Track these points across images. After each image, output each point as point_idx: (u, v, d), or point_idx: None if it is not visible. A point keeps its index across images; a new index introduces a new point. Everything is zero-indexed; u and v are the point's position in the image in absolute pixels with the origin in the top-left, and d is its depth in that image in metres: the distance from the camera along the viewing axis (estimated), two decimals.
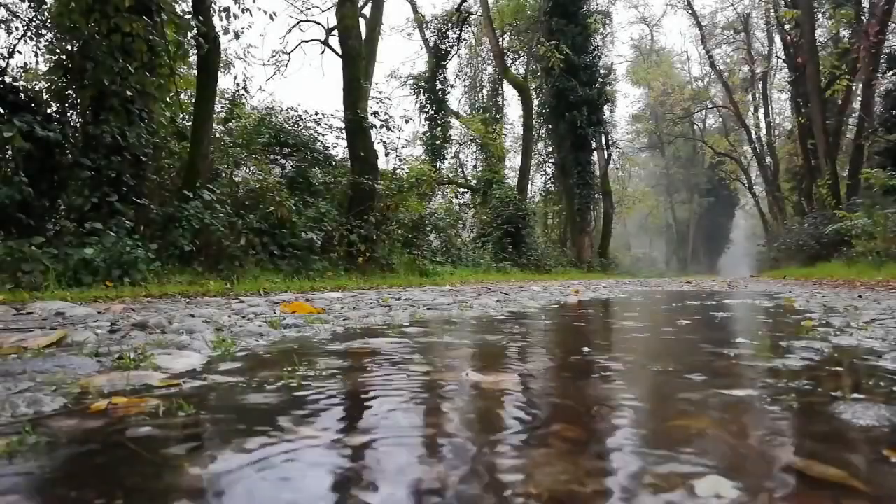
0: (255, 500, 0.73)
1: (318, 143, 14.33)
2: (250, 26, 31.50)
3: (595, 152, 29.88)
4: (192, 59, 10.30)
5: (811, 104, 21.62)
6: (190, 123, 10.14)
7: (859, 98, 22.59)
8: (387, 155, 15.88)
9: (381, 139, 14.01)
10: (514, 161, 32.89)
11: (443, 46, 28.88)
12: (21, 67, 8.68)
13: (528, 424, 1.09)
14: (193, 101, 10.42)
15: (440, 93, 28.32)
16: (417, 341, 2.34)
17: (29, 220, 6.69)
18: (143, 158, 7.96)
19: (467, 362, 1.83)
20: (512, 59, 29.45)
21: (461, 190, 27.38)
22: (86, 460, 0.89)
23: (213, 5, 9.41)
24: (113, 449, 0.93)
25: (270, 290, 7.14)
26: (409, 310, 3.96)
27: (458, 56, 30.62)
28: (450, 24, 28.60)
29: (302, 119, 14.33)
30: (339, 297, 5.82)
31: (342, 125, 13.45)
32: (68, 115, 8.07)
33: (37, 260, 5.78)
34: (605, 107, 29.99)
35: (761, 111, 36.40)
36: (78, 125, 8.03)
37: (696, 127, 47.80)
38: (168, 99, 9.45)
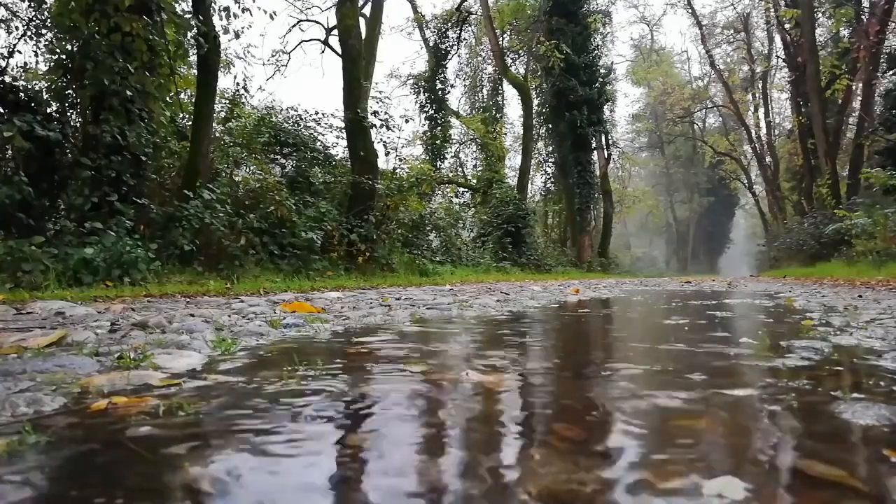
0: (255, 500, 0.73)
1: (318, 143, 14.31)
2: (250, 26, 31.49)
3: (595, 152, 29.88)
4: (192, 58, 10.29)
5: (811, 104, 21.62)
6: (190, 123, 10.14)
7: (859, 98, 22.58)
8: (387, 155, 15.89)
9: (381, 139, 14.02)
10: (514, 161, 32.92)
11: (443, 46, 28.88)
12: (21, 67, 8.67)
13: (528, 424, 1.09)
14: (193, 101, 10.42)
15: (440, 92, 28.31)
16: (417, 341, 2.34)
17: (29, 220, 6.68)
18: (143, 158, 7.94)
19: (467, 362, 1.83)
20: (512, 59, 29.45)
21: (461, 190, 27.36)
22: (86, 460, 0.89)
23: (213, 5, 9.40)
24: (113, 449, 0.93)
25: (270, 290, 7.14)
26: (409, 309, 3.96)
27: (458, 56, 30.67)
28: (450, 24, 28.59)
29: (302, 119, 14.32)
30: (339, 296, 5.82)
31: (342, 125, 13.44)
32: (68, 114, 8.06)
33: (37, 260, 5.78)
34: (605, 106, 29.99)
35: (761, 111, 36.40)
36: (78, 125, 8.02)
37: (696, 126, 47.76)
38: (168, 99, 9.43)
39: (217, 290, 6.64)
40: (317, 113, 14.50)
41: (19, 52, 8.36)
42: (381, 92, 15.30)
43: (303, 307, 3.79)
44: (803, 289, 8.15)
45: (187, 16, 9.03)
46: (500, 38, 27.19)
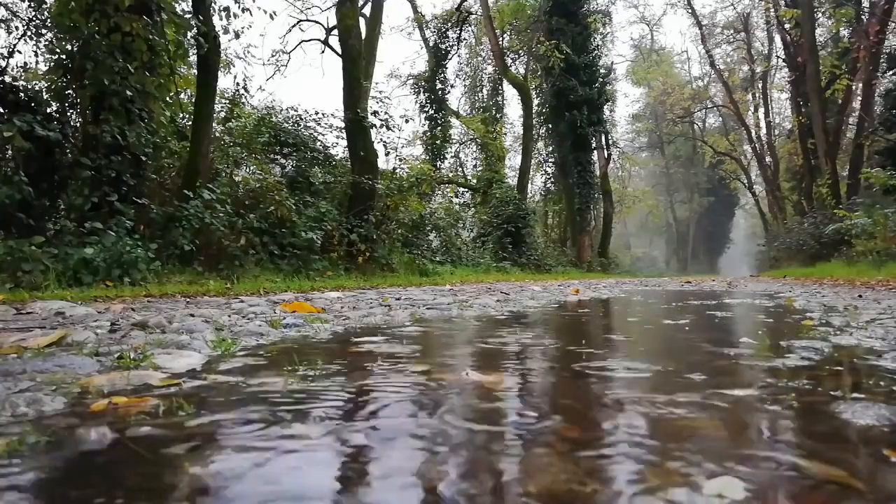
0: (254, 500, 0.73)
1: (318, 143, 14.32)
2: (250, 26, 31.53)
3: (595, 152, 29.90)
4: (192, 58, 10.29)
5: (811, 104, 21.62)
6: (190, 123, 10.14)
7: (859, 98, 22.58)
8: (387, 155, 15.91)
9: (381, 139, 14.03)
10: (514, 161, 32.94)
11: (443, 46, 28.88)
12: (21, 67, 8.66)
13: (528, 423, 1.09)
14: (193, 101, 10.42)
15: (440, 92, 28.32)
16: (417, 341, 2.34)
17: (29, 220, 6.68)
18: (143, 158, 7.94)
19: (467, 362, 1.83)
20: (512, 59, 29.45)
21: (461, 190, 27.37)
22: (86, 460, 0.89)
23: (213, 5, 9.40)
24: (113, 449, 0.93)
25: (270, 290, 7.14)
26: (408, 309, 3.96)
27: (458, 56, 30.69)
28: (450, 24, 28.60)
29: (302, 119, 14.32)
30: (339, 296, 5.81)
31: (342, 125, 13.45)
32: (68, 114, 8.05)
33: (37, 260, 5.78)
34: (605, 106, 30.01)
35: (761, 111, 36.41)
36: (78, 125, 8.02)
37: (696, 126, 47.77)
38: (168, 99, 9.43)
39: (217, 290, 6.64)
40: (317, 113, 14.53)
41: (19, 52, 8.37)
42: (381, 92, 15.33)
43: (303, 307, 3.79)
44: (803, 289, 8.15)
45: (187, 16, 9.02)
46: (500, 38, 27.19)
